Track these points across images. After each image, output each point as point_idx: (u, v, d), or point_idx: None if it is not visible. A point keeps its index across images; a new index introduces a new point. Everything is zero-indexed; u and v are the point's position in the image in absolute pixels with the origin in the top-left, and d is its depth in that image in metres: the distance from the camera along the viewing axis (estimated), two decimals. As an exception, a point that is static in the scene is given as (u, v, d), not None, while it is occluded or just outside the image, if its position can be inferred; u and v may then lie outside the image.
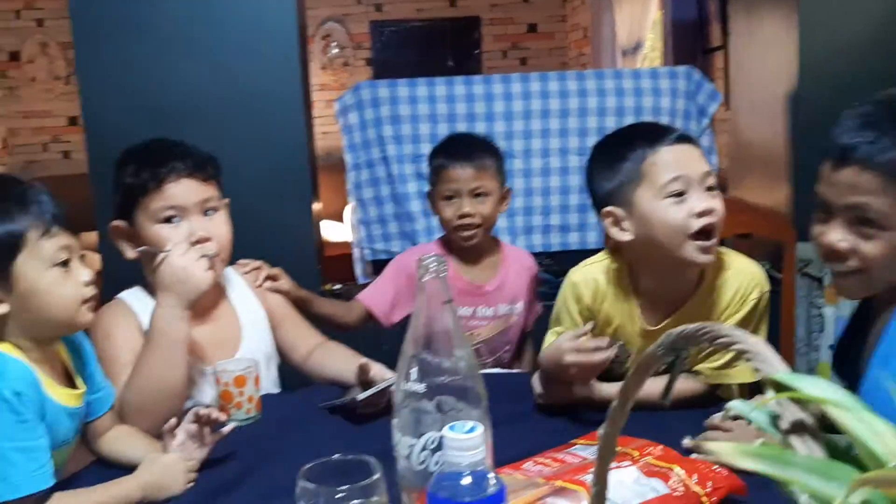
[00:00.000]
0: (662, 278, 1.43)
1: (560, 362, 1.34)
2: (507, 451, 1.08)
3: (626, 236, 1.39)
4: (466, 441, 0.76)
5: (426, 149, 2.22)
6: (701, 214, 1.32)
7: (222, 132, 2.18)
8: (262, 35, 2.29)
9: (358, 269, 2.76)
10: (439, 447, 0.85)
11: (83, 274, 1.18)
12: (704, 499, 1.02)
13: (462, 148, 1.89)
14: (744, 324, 1.40)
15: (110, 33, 2.25)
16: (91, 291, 1.19)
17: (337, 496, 0.82)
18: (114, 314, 1.50)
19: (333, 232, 5.10)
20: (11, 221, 1.11)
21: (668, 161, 1.35)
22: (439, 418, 0.86)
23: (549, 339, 1.51)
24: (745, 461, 0.36)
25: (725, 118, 3.33)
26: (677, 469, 1.05)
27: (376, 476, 0.85)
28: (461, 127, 2.64)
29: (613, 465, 1.08)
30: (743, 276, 1.42)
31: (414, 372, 0.87)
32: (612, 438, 0.68)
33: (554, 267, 2.72)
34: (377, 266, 2.84)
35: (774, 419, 0.42)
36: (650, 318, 1.45)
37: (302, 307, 1.79)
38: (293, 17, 2.30)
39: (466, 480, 0.76)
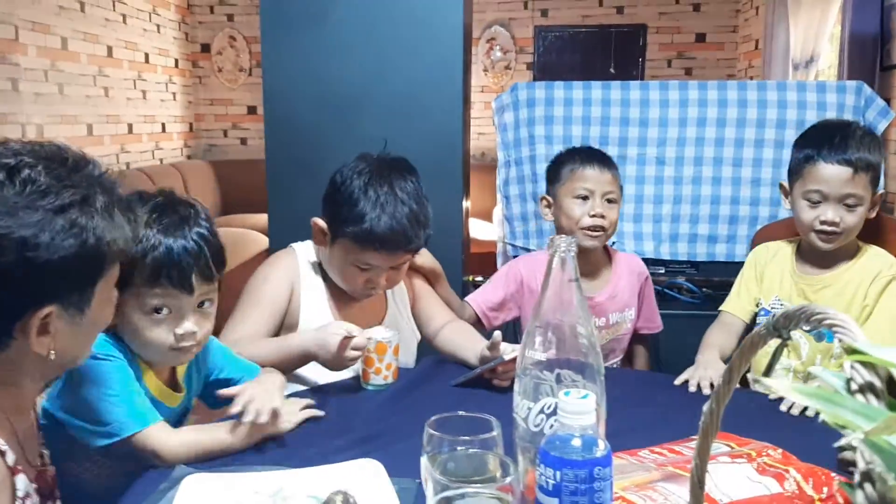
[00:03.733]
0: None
1: None
2: (624, 441, 1.12)
3: (786, 205, 1.78)
4: (579, 405, 0.82)
5: (576, 150, 2.26)
6: (825, 222, 1.65)
7: (386, 125, 2.31)
8: (430, 36, 2.40)
9: (500, 263, 2.84)
10: (555, 412, 0.91)
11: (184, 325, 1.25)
12: (818, 503, 1.02)
13: (596, 154, 1.95)
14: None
15: (294, 30, 2.45)
16: (185, 343, 1.25)
17: (458, 446, 0.91)
18: (281, 267, 1.70)
19: (481, 230, 5.21)
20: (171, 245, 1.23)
21: (819, 175, 1.65)
22: (557, 388, 0.92)
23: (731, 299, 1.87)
24: (800, 396, 0.40)
25: (898, 138, 3.14)
26: (793, 471, 1.06)
27: (495, 432, 0.93)
28: (614, 131, 2.65)
29: (728, 460, 1.12)
30: (881, 260, 1.70)
31: (538, 342, 0.93)
32: (716, 415, 0.72)
33: (697, 277, 2.68)
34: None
35: (848, 383, 0.46)
36: (804, 270, 1.77)
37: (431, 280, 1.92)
38: (460, 20, 2.41)
39: (576, 442, 0.82)
